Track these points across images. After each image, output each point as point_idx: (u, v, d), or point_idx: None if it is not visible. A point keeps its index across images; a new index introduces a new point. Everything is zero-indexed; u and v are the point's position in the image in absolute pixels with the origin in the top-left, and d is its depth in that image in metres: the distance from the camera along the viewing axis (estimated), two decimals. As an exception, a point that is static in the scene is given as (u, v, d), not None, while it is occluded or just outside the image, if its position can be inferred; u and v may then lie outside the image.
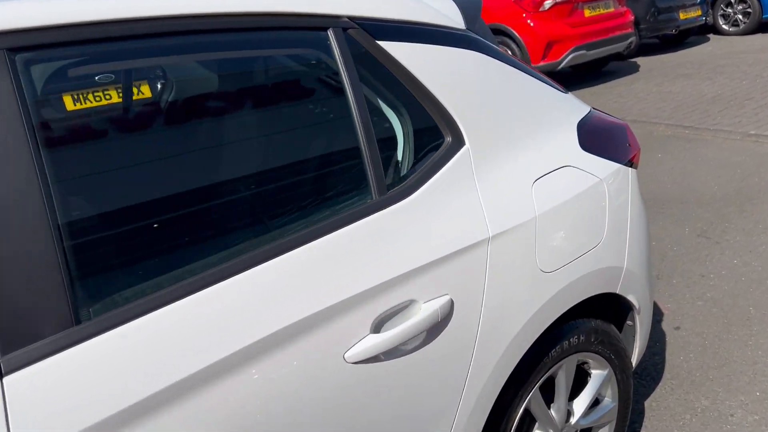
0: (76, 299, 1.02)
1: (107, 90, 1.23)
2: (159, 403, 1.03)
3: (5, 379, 0.94)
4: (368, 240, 1.29)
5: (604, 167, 1.70)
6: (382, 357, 1.27)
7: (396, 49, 1.41)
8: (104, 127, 1.13)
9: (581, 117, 1.76)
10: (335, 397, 1.23)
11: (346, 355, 1.22)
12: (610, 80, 7.99)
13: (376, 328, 1.26)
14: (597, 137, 1.75)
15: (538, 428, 1.71)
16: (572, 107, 1.77)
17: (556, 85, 1.81)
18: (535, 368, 1.61)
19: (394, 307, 1.29)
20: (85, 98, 1.14)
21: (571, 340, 1.68)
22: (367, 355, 1.24)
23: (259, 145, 1.30)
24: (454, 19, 1.59)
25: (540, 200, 1.54)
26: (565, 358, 1.70)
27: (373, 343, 1.25)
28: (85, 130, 1.11)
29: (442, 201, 1.41)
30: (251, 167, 1.26)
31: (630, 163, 1.79)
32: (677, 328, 2.81)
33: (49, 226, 0.99)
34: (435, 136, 1.47)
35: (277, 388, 1.16)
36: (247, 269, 1.15)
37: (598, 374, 1.84)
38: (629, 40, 8.02)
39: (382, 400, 1.29)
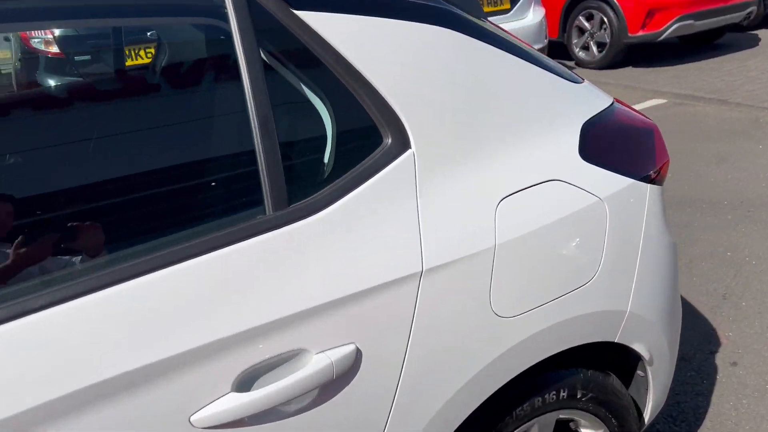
0: None
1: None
2: None
3: None
4: (246, 269, 1.01)
5: (609, 183, 1.32)
6: (248, 421, 1.00)
7: (321, 22, 1.10)
8: None
9: (591, 115, 1.37)
10: None
11: (192, 419, 0.96)
12: (721, 55, 7.12)
13: (242, 385, 0.99)
14: (606, 143, 1.37)
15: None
16: (581, 102, 1.39)
17: (567, 72, 1.42)
18: (490, 431, 1.29)
19: (273, 357, 1.01)
20: None
21: (546, 396, 1.34)
22: (225, 419, 0.97)
23: (115, 143, 1.04)
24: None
25: (505, 225, 1.19)
26: (537, 416, 1.36)
27: (235, 404, 0.98)
28: None
29: (365, 221, 1.10)
30: (98, 172, 1.00)
31: (652, 178, 1.39)
32: (734, 364, 2.36)
33: None
34: (370, 136, 1.15)
35: None
36: (71, 300, 0.90)
37: (589, 435, 1.49)
38: (748, 10, 7.09)
39: None
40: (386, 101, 1.14)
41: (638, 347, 1.43)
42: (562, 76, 1.38)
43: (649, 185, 1.38)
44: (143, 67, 1.09)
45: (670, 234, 1.47)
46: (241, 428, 1.00)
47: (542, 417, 1.37)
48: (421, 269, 1.11)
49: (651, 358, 1.47)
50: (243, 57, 1.03)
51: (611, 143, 1.38)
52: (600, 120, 1.39)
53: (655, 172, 1.40)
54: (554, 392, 1.35)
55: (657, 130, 1.46)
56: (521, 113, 1.28)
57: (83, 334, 0.90)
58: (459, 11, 1.26)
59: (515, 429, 1.33)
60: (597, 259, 1.29)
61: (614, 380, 1.47)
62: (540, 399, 1.33)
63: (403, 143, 1.15)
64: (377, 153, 1.14)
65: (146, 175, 1.03)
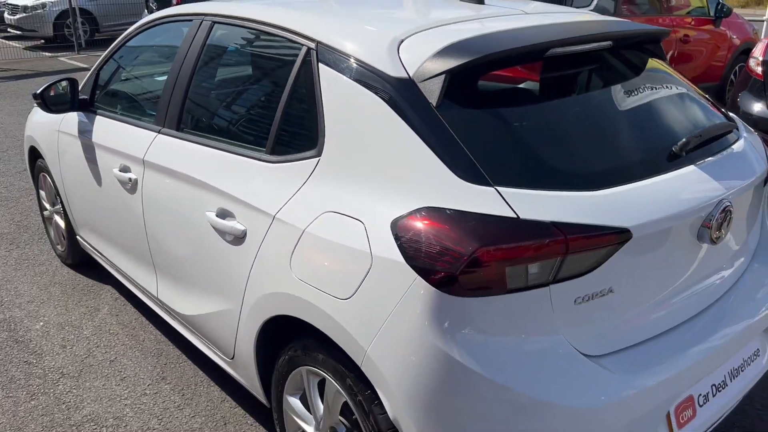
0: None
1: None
2: None
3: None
4: (232, 168, 2.15)
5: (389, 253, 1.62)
6: (225, 235, 2.17)
7: (326, 74, 1.95)
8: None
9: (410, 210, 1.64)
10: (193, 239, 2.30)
11: (207, 214, 2.22)
12: None
13: (220, 213, 2.17)
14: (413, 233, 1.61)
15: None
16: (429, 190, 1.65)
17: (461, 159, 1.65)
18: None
19: (222, 210, 2.14)
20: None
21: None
22: (219, 226, 2.18)
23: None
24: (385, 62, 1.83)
25: (318, 226, 1.81)
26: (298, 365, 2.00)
27: (214, 223, 2.17)
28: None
29: (279, 179, 1.99)
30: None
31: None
32: None
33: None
34: (317, 139, 1.95)
35: (154, 198, 2.43)
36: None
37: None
38: None
39: (211, 263, 2.25)
40: (326, 127, 1.91)
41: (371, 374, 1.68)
42: (451, 166, 1.63)
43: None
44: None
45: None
46: (218, 237, 2.20)
47: (303, 368, 1.95)
48: (274, 214, 1.93)
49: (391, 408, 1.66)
50: (291, 77, 2.06)
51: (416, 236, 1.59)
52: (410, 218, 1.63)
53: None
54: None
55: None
56: (388, 181, 1.72)
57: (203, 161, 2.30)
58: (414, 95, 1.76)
59: (292, 367, 1.99)
60: (351, 293, 1.68)
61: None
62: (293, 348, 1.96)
63: (318, 153, 1.91)
64: (314, 149, 1.94)
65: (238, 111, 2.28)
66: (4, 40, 14.31)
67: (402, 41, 1.88)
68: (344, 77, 1.90)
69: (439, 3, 2.41)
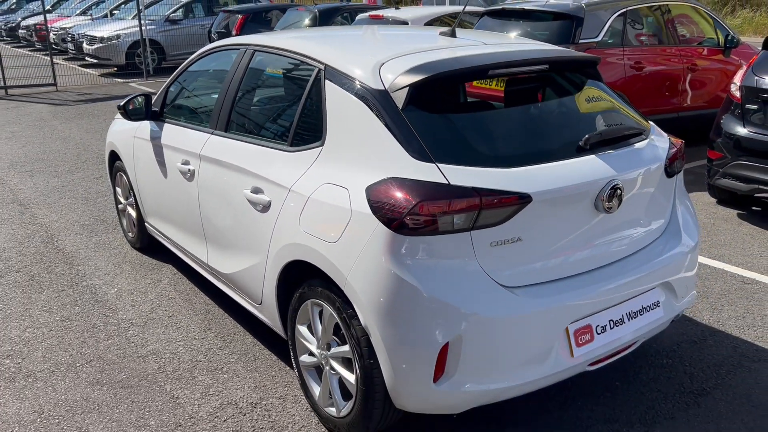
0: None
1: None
2: None
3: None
4: (258, 157, 2.91)
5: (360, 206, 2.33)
6: (256, 206, 2.93)
7: (330, 90, 2.71)
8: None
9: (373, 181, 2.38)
10: (233, 212, 3.08)
11: (244, 191, 2.98)
12: None
13: (254, 190, 2.93)
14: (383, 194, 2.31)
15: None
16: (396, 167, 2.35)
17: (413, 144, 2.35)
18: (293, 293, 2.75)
19: (255, 187, 2.90)
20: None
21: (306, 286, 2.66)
22: (252, 199, 2.95)
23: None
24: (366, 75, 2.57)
25: (317, 194, 2.55)
26: (306, 299, 2.69)
27: (249, 197, 2.94)
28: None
29: (297, 163, 2.74)
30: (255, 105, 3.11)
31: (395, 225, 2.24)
32: None
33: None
34: (322, 134, 2.70)
35: (206, 183, 3.17)
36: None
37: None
38: None
39: (246, 229, 3.01)
40: (327, 125, 2.66)
41: (350, 295, 2.38)
42: (407, 150, 2.35)
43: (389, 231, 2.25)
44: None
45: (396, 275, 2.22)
46: (253, 208, 2.99)
47: (309, 301, 2.65)
48: (290, 187, 2.68)
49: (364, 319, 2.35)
50: (306, 89, 2.82)
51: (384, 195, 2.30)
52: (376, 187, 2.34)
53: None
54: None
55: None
56: (366, 161, 2.45)
57: (231, 147, 3.11)
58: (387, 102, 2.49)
59: (301, 302, 2.68)
60: (338, 238, 2.40)
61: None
62: (303, 287, 2.64)
63: (322, 143, 2.66)
64: (320, 141, 2.69)
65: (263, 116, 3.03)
66: (82, 68, 15.76)
67: (383, 63, 2.62)
68: (342, 90, 2.65)
69: (420, 35, 3.15)
